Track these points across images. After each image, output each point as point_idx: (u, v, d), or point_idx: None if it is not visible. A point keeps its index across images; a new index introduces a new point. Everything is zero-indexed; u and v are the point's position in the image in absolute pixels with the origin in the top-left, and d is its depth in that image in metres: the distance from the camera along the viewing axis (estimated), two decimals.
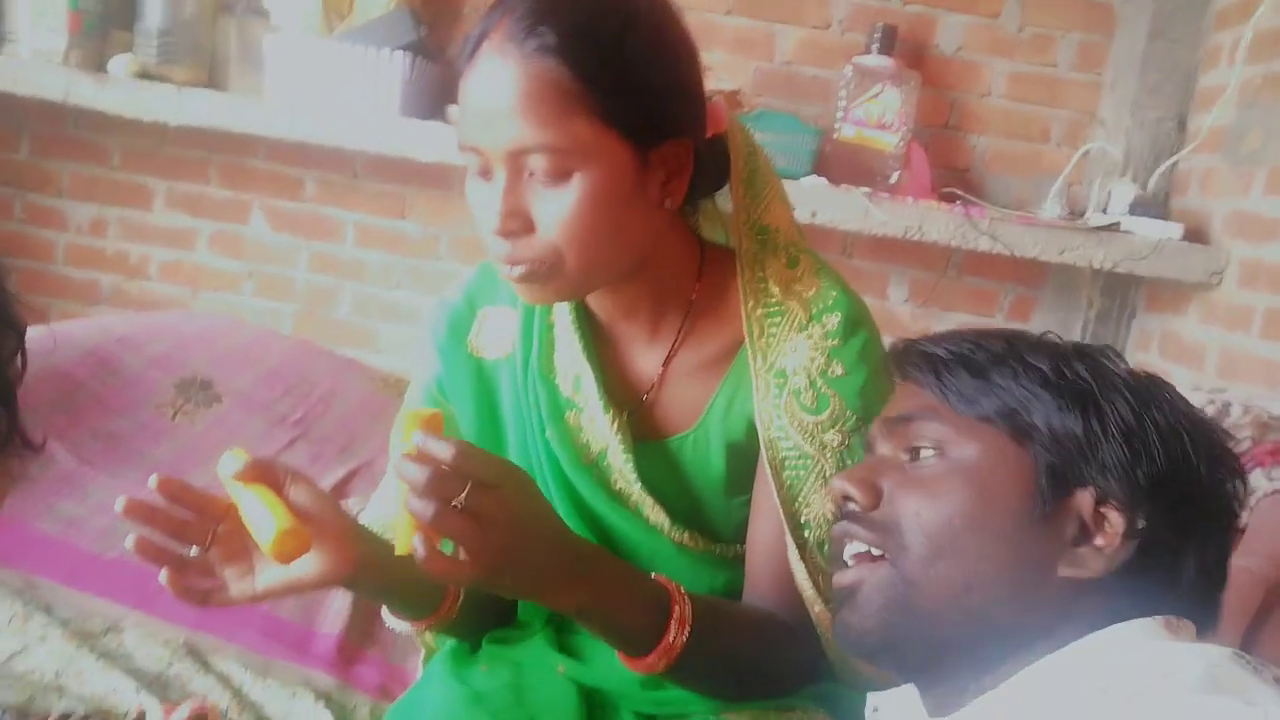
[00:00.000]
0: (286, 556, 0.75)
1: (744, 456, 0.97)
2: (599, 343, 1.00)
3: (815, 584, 0.92)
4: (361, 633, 1.22)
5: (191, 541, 0.80)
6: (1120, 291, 2.20)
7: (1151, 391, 0.74)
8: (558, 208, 0.83)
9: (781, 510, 0.91)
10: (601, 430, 0.97)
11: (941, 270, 2.33)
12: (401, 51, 1.97)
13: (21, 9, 2.01)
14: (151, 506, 0.79)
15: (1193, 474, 0.71)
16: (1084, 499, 0.70)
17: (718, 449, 0.98)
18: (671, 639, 0.84)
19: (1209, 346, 1.92)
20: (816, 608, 0.92)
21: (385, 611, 1.00)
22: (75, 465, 1.28)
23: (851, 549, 0.76)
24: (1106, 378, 0.73)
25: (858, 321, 0.94)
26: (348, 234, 2.39)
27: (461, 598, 0.97)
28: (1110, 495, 0.70)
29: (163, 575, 0.79)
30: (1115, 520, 0.70)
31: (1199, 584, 0.72)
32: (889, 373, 0.90)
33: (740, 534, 1.00)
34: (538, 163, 0.82)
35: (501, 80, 0.81)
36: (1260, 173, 1.83)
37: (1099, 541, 0.70)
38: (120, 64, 2.00)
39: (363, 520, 1.01)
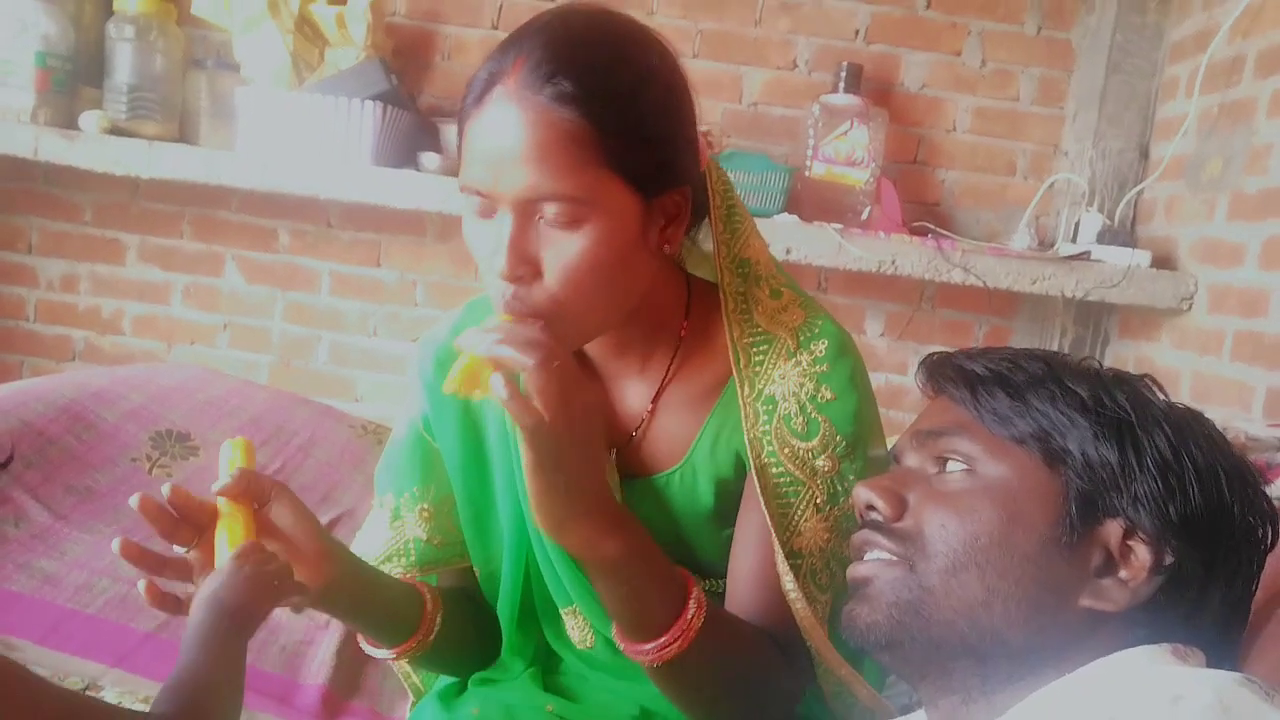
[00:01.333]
0: None
1: (732, 491, 0.97)
2: (589, 380, 0.99)
3: (812, 611, 0.91)
4: (347, 683, 1.20)
5: (177, 542, 0.81)
6: (1093, 319, 2.23)
7: (1191, 426, 0.73)
8: (566, 255, 0.82)
9: (775, 539, 0.91)
10: None
11: (916, 303, 2.35)
12: (373, 101, 1.98)
13: None
14: (159, 506, 0.80)
15: (1226, 514, 0.71)
16: (1113, 530, 0.70)
17: (705, 483, 0.97)
18: (690, 616, 0.84)
19: (1182, 371, 1.95)
20: (815, 635, 0.91)
21: (362, 640, 1.00)
22: (50, 521, 1.26)
23: (871, 557, 0.75)
24: (1146, 409, 0.73)
25: (845, 348, 0.95)
26: (323, 283, 2.39)
27: (439, 624, 0.99)
28: (1140, 528, 0.69)
29: (141, 584, 0.80)
30: (1143, 554, 0.69)
31: (1220, 623, 0.72)
32: (874, 398, 0.94)
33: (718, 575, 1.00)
34: (549, 210, 0.81)
35: (516, 126, 0.80)
36: (1222, 199, 1.86)
37: (1124, 574, 0.69)
38: (90, 120, 2.00)
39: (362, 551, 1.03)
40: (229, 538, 0.78)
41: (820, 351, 0.93)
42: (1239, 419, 1.40)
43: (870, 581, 0.74)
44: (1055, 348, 2.25)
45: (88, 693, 1.07)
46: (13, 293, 2.41)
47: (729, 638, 0.89)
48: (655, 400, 0.98)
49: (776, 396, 0.92)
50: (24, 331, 2.42)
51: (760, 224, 1.92)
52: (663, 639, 0.83)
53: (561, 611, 1.01)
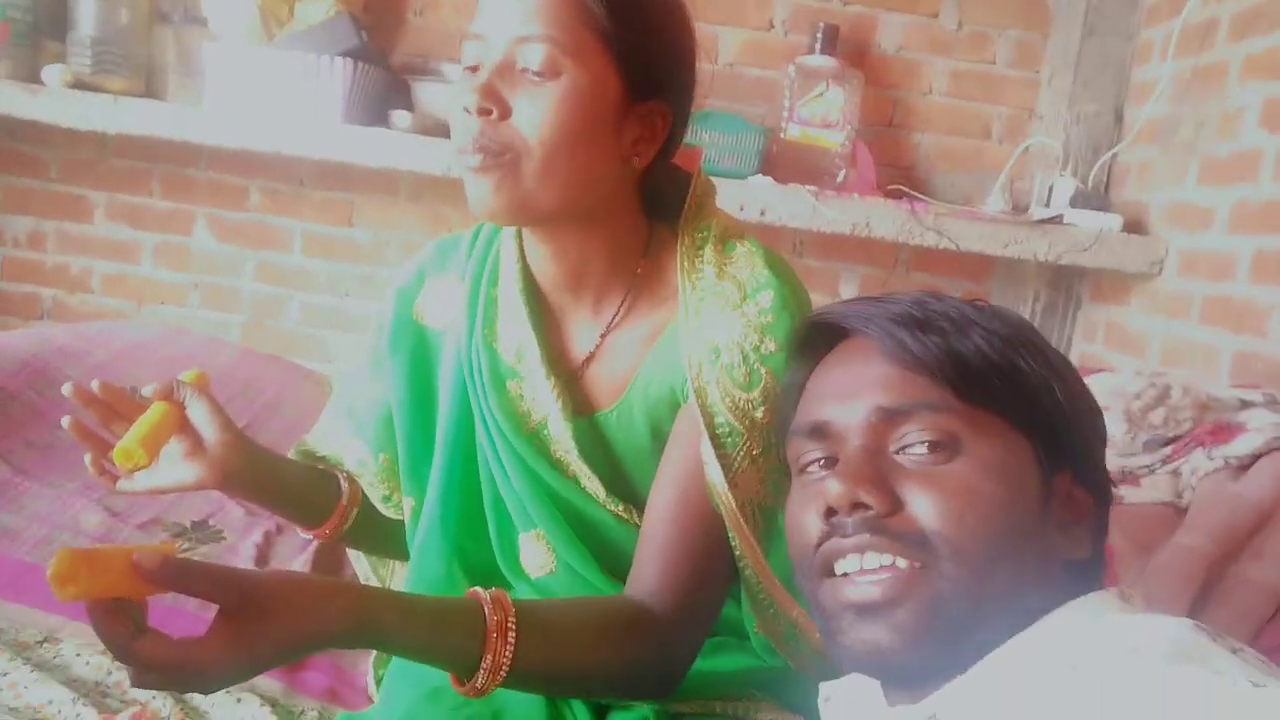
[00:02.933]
0: (125, 466, 0.88)
1: (666, 430, 0.98)
2: (542, 314, 1.01)
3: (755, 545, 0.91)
4: None
5: (110, 428, 0.93)
6: (1065, 283, 2.24)
7: (1048, 350, 0.74)
8: (538, 101, 0.85)
9: (725, 483, 0.91)
10: (543, 399, 0.99)
11: (890, 267, 2.35)
12: (343, 58, 1.96)
13: None
14: (91, 394, 0.93)
15: (1100, 432, 0.74)
16: (1064, 480, 0.70)
17: (641, 423, 0.99)
18: (493, 660, 0.80)
19: (1152, 335, 1.96)
20: (761, 572, 0.92)
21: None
22: (10, 475, 1.25)
23: (870, 561, 0.66)
24: (1039, 346, 0.73)
25: (791, 300, 0.95)
26: (295, 243, 2.37)
27: (355, 511, 1.08)
28: (1078, 475, 0.70)
29: (87, 457, 0.93)
30: (1083, 499, 0.70)
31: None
32: None
33: None
34: (533, 54, 0.85)
35: None
36: (1193, 163, 1.86)
37: (1078, 520, 0.70)
38: (53, 74, 1.97)
39: (308, 441, 1.13)
40: (142, 422, 0.89)
41: (766, 303, 0.93)
42: (1202, 380, 1.42)
43: (890, 606, 0.66)
44: (1028, 312, 2.26)
45: (45, 645, 1.07)
46: None
47: (564, 635, 0.86)
48: (603, 338, 0.99)
49: (720, 345, 0.92)
50: None
51: (734, 185, 1.95)
52: (481, 670, 0.80)
53: (520, 536, 1.02)
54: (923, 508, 0.66)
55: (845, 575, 0.68)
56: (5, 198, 2.36)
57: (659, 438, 0.98)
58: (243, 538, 1.27)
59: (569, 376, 1.01)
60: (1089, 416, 0.72)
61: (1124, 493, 1.24)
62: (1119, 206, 2.09)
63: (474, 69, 0.88)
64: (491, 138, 0.86)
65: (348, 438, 1.09)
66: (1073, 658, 0.62)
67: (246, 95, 1.96)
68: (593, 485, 0.99)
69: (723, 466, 0.91)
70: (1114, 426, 1.29)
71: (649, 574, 0.92)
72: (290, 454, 1.13)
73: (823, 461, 0.73)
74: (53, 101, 1.95)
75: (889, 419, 0.69)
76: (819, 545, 0.70)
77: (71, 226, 2.37)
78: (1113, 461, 1.30)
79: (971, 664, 0.66)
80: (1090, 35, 2.14)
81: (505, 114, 0.86)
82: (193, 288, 2.39)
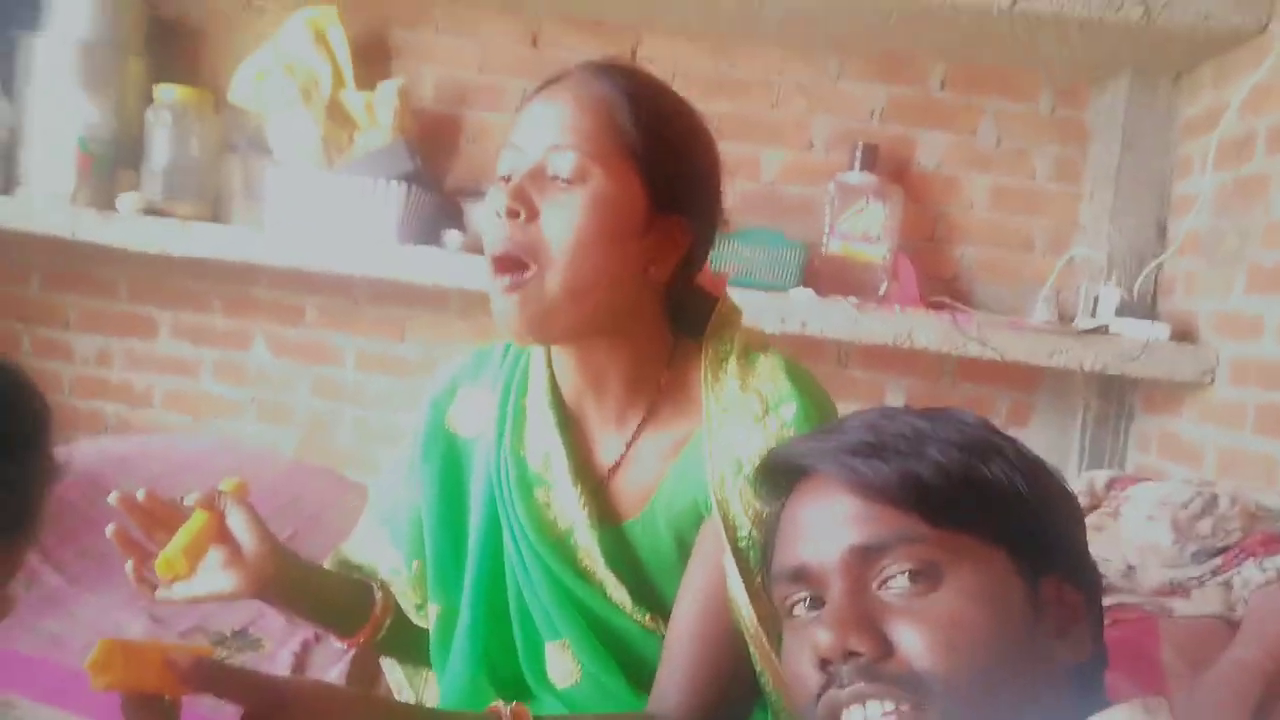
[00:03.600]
0: (166, 576, 0.92)
1: (691, 543, 0.98)
2: (569, 423, 1.03)
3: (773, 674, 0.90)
4: None
5: (151, 537, 0.97)
6: (1115, 394, 2.21)
7: (1013, 446, 0.73)
8: (565, 205, 0.90)
9: (748, 594, 0.90)
10: (570, 507, 1.00)
11: (937, 379, 2.34)
12: (398, 182, 2.04)
13: (33, 152, 2.10)
14: (135, 502, 0.96)
15: (1079, 522, 0.74)
16: (1049, 585, 0.68)
17: (665, 533, 0.99)
18: None
19: (1206, 445, 1.92)
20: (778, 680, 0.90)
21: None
22: (62, 585, 1.28)
23: (872, 710, 0.65)
24: (991, 432, 0.72)
25: (814, 412, 0.96)
26: (348, 359, 2.43)
27: (388, 620, 1.10)
28: (1064, 576, 0.69)
29: (128, 565, 0.97)
30: (1074, 598, 0.68)
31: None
32: None
33: None
34: (564, 161, 0.90)
35: (567, 96, 0.92)
36: (1240, 273, 1.85)
37: (1075, 620, 0.68)
38: (126, 201, 2.08)
39: (343, 550, 1.16)
40: (184, 533, 0.92)
41: (788, 416, 0.94)
42: (1252, 489, 1.38)
43: None
44: (1079, 423, 2.23)
45: None
46: (50, 368, 2.47)
47: None
48: (628, 448, 1.01)
49: (743, 458, 0.93)
50: (60, 406, 2.46)
51: (775, 298, 1.97)
52: None
53: (546, 646, 1.01)
54: (912, 646, 0.65)
55: None
56: (78, 318, 2.46)
57: (684, 548, 0.98)
58: (281, 646, 1.28)
59: (595, 485, 1.02)
60: (1062, 506, 0.71)
61: (1174, 605, 1.20)
62: (1166, 316, 2.07)
63: (507, 179, 0.93)
64: (517, 240, 0.90)
65: (382, 545, 1.11)
66: None
67: (306, 218, 2.05)
68: (619, 594, 0.99)
69: (744, 580, 0.90)
70: (1161, 537, 1.26)
71: (672, 689, 0.92)
72: (327, 563, 1.15)
73: (808, 602, 0.72)
74: (125, 226, 2.06)
75: (865, 555, 0.68)
76: (819, 696, 0.69)
77: (137, 344, 2.46)
78: (1161, 573, 1.27)
79: None
80: (1128, 150, 2.17)
81: (533, 216, 0.90)
82: (249, 403, 2.45)
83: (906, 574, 0.67)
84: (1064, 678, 0.67)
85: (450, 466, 1.07)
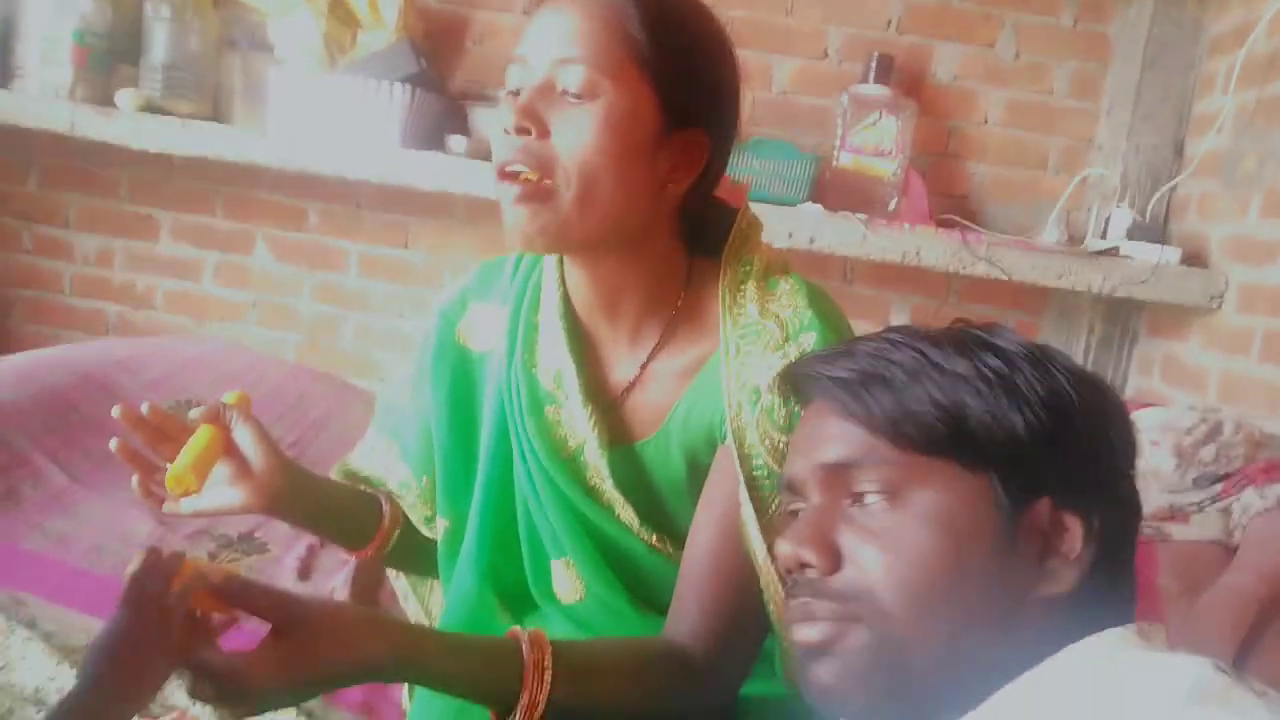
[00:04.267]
0: (175, 491, 0.91)
1: (702, 464, 0.97)
2: (581, 342, 1.01)
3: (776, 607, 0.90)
4: None
5: (158, 451, 0.94)
6: (1121, 317, 2.20)
7: (1052, 360, 0.70)
8: (575, 121, 0.86)
9: (759, 525, 0.91)
10: (580, 426, 0.99)
11: (943, 297, 2.33)
12: (402, 84, 2.00)
13: (29, 45, 2.05)
14: (139, 416, 0.93)
15: (1110, 448, 0.69)
16: (1041, 510, 0.67)
17: (677, 455, 0.98)
18: (529, 699, 0.81)
19: (1210, 370, 1.91)
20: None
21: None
22: (67, 484, 1.29)
23: (812, 630, 0.68)
24: (1015, 363, 0.70)
25: (834, 342, 0.92)
26: (351, 264, 2.41)
27: (396, 533, 1.09)
28: (1060, 500, 0.67)
29: (134, 479, 0.94)
30: (1073, 524, 0.67)
31: (1127, 567, 0.70)
32: None
33: None
34: (572, 75, 0.86)
35: (575, 3, 0.87)
36: (1257, 196, 1.83)
37: (1065, 549, 0.67)
38: (125, 97, 2.04)
39: (350, 462, 1.15)
40: (190, 447, 0.91)
41: (808, 344, 0.92)
42: (1257, 417, 1.38)
43: (829, 647, 0.67)
44: (1083, 345, 2.22)
45: None
46: (51, 266, 2.46)
47: (599, 682, 0.87)
48: (643, 368, 0.99)
49: (761, 388, 0.92)
50: (60, 305, 2.47)
51: (784, 212, 1.95)
52: (519, 708, 0.81)
53: (552, 563, 1.02)
54: (857, 563, 0.67)
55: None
56: (77, 216, 2.44)
57: (695, 471, 0.98)
58: (287, 550, 1.30)
59: (607, 405, 1.01)
60: (1089, 429, 0.68)
61: (1172, 530, 1.21)
62: (1177, 239, 2.05)
63: (516, 93, 0.89)
64: (528, 157, 0.86)
65: (391, 460, 1.11)
66: (1091, 697, 0.61)
67: (309, 119, 2.01)
68: (626, 514, 0.99)
69: (757, 511, 0.90)
70: (1164, 462, 1.26)
71: (688, 616, 0.92)
72: (333, 473, 1.15)
73: (797, 514, 0.74)
74: (124, 124, 2.02)
75: (834, 472, 0.71)
76: (786, 609, 0.73)
77: (138, 245, 2.44)
78: (1161, 498, 1.27)
79: (953, 711, 0.65)
80: (1150, 67, 2.12)
81: (544, 133, 0.86)
82: (251, 306, 2.44)
83: (874, 495, 0.68)
84: (1037, 607, 0.66)
85: (460, 381, 1.06)
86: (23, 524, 1.21)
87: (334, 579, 1.29)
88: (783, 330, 0.93)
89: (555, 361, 1.00)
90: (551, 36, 0.87)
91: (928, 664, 0.65)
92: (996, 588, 0.66)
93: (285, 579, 1.23)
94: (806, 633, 0.68)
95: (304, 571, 1.27)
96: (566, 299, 1.01)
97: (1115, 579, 0.69)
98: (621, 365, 1.01)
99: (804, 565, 0.69)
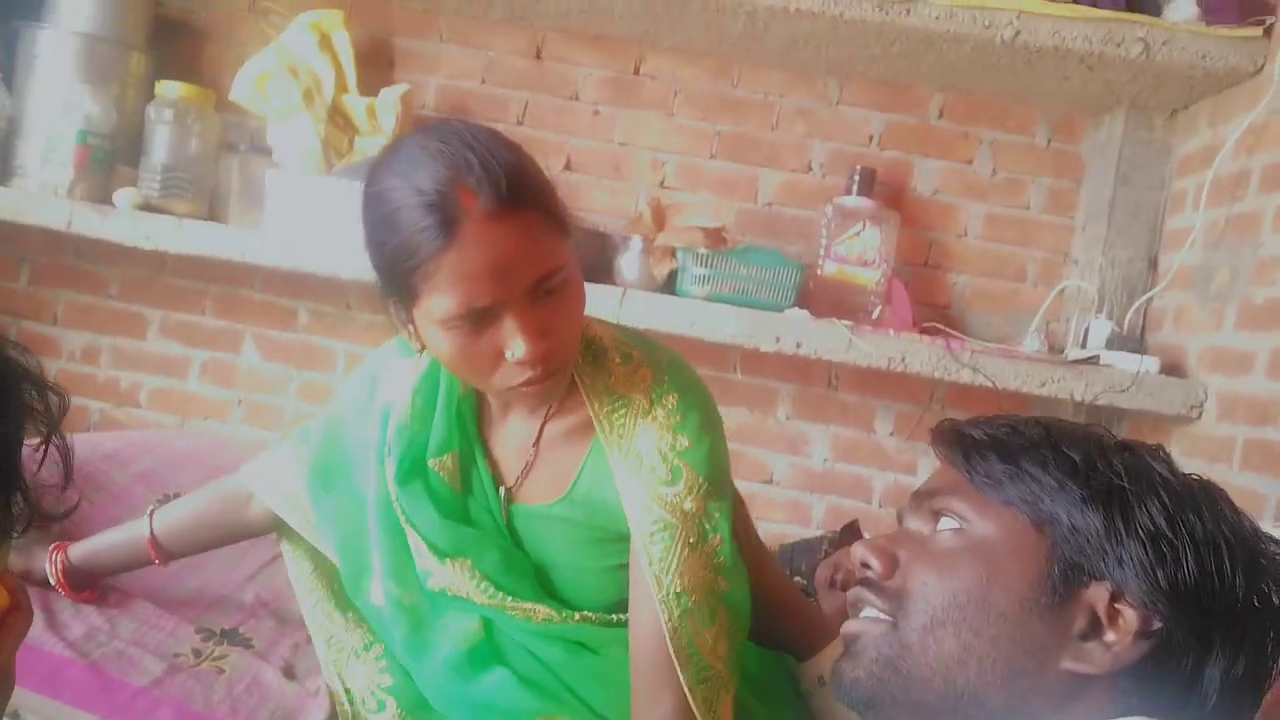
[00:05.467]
0: None
1: (607, 528, 1.08)
2: (483, 409, 1.15)
3: (679, 660, 0.98)
4: None
5: None
6: (1104, 426, 2.22)
7: (1195, 496, 0.74)
8: (567, 311, 1.00)
9: (654, 589, 0.99)
10: (481, 496, 1.12)
11: (926, 404, 2.35)
12: None
13: (32, 144, 2.08)
14: None
15: (1226, 586, 0.70)
16: (1099, 592, 0.70)
17: (583, 516, 1.09)
18: None
19: None
20: (687, 679, 0.99)
21: None
22: None
23: (865, 615, 0.79)
24: (1143, 475, 0.74)
25: (693, 398, 1.08)
26: (339, 363, 2.42)
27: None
28: (1126, 592, 0.69)
29: None
30: (1129, 618, 0.69)
31: (1226, 702, 0.70)
32: (723, 435, 1.07)
33: (599, 605, 1.12)
34: (550, 283, 0.97)
35: (509, 237, 0.94)
36: (1231, 309, 1.88)
37: (1109, 637, 0.69)
38: (124, 197, 2.06)
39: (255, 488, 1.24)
40: None
41: (672, 404, 1.05)
42: None
43: (858, 638, 0.77)
44: None
45: None
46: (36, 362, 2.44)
47: None
48: (538, 438, 1.11)
49: (641, 452, 1.04)
50: None
51: (771, 318, 1.98)
52: None
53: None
54: (905, 571, 0.77)
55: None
56: (66, 313, 2.44)
57: (600, 531, 1.10)
58: (271, 647, 1.27)
59: (512, 477, 1.13)
60: (1160, 540, 0.71)
61: None
62: (1156, 350, 2.10)
63: (475, 328, 1.01)
64: (548, 365, 1.01)
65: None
66: None
67: (303, 220, 2.05)
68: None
69: (662, 560, 1.00)
70: None
71: (660, 704, 1.00)
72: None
73: None
74: (121, 222, 2.04)
75: (921, 500, 0.82)
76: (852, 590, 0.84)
77: (125, 342, 2.44)
78: None
79: None
80: (1123, 184, 2.20)
81: (551, 340, 1.01)
82: (236, 404, 2.44)
83: (948, 522, 0.78)
84: (1058, 677, 0.69)
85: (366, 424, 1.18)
86: None
87: (316, 679, 1.24)
88: (646, 397, 1.06)
89: (454, 427, 1.13)
90: (519, 270, 0.97)
91: (927, 676, 0.72)
92: (1021, 639, 0.70)
93: (270, 675, 1.20)
94: (851, 624, 0.79)
95: (288, 669, 1.24)
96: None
97: (1182, 691, 0.69)
98: (521, 436, 1.13)
99: (865, 565, 0.80)
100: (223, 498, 1.29)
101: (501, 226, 0.93)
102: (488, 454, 1.13)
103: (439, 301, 0.94)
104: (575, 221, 1.05)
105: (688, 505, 1.01)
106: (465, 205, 0.92)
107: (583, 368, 1.08)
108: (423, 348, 1.04)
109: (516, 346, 0.95)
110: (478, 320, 0.95)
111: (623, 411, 1.06)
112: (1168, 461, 0.77)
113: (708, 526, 1.02)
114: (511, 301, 0.95)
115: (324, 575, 1.25)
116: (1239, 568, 0.71)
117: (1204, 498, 0.75)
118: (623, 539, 1.06)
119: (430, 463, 1.11)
